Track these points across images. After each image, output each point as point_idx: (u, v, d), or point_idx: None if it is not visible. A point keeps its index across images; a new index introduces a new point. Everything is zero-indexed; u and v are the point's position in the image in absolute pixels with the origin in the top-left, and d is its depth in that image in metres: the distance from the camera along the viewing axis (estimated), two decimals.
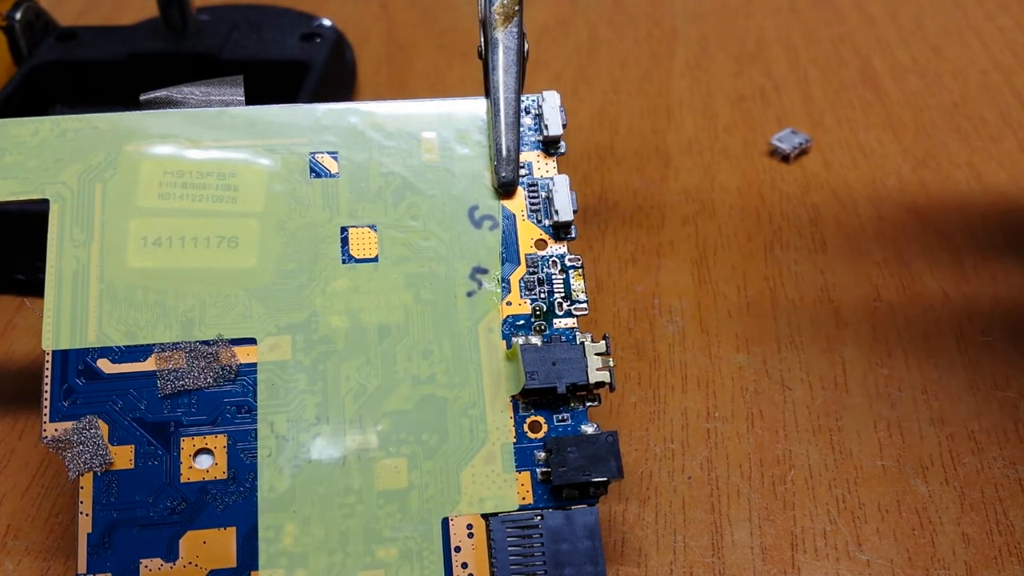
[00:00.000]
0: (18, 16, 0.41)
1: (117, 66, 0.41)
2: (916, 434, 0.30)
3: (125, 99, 0.27)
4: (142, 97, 0.27)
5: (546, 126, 0.28)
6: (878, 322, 0.34)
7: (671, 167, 0.41)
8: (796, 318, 0.34)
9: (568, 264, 0.27)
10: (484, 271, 0.27)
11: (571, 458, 0.24)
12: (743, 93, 0.45)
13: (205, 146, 0.27)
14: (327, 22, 0.42)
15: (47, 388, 0.24)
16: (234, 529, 0.24)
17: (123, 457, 0.24)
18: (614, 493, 0.28)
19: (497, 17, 0.28)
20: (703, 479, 0.29)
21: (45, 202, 0.26)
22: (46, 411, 0.24)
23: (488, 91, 0.28)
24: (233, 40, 0.41)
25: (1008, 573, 0.27)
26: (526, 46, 0.28)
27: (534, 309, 0.26)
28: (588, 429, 0.25)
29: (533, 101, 0.28)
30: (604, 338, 0.26)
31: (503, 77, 0.28)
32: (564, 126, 0.28)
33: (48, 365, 0.25)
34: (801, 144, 0.41)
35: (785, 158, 0.41)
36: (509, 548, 0.24)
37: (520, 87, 0.28)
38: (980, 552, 0.27)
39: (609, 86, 0.45)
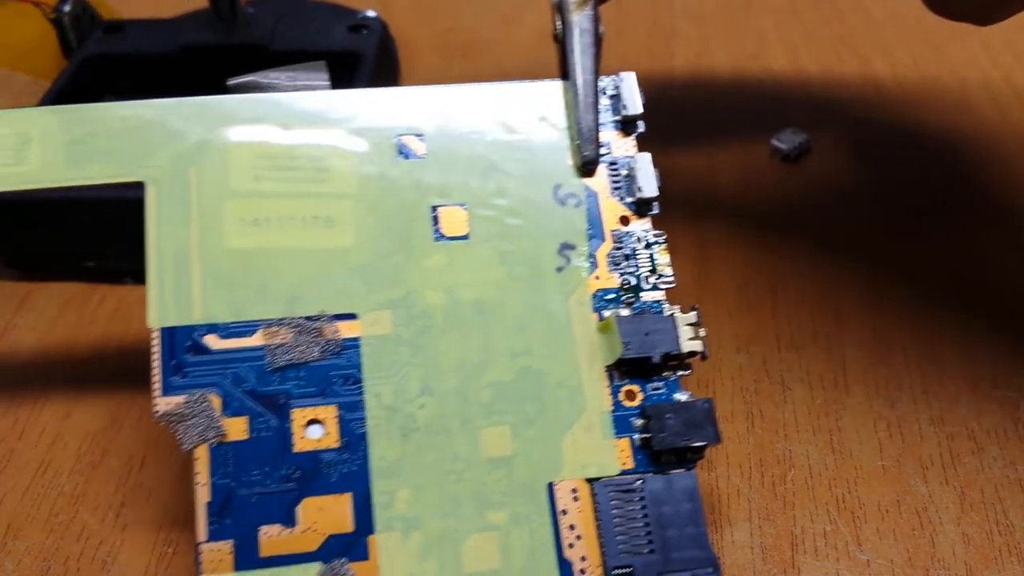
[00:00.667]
0: (67, 9, 0.41)
1: (168, 58, 0.41)
2: (916, 434, 0.30)
3: (177, 91, 0.28)
4: (230, 82, 0.28)
5: (624, 105, 0.29)
6: (878, 322, 0.34)
7: (671, 167, 0.40)
8: (796, 318, 0.34)
9: (652, 239, 0.28)
10: (571, 247, 0.27)
11: (669, 424, 0.25)
12: (743, 93, 0.45)
13: (294, 129, 0.28)
14: (372, 13, 0.43)
15: (156, 364, 0.25)
16: (349, 495, 0.24)
17: (237, 428, 0.25)
18: None
19: (573, 1, 0.29)
20: (703, 479, 0.29)
21: (140, 185, 0.26)
22: (157, 386, 0.25)
23: (566, 73, 0.29)
24: (281, 32, 0.41)
25: (1008, 573, 0.27)
26: (601, 28, 0.29)
27: (622, 283, 0.27)
28: (681, 397, 0.26)
29: (610, 82, 0.29)
30: (694, 309, 0.26)
31: (580, 59, 0.29)
32: (644, 105, 0.29)
33: (156, 342, 0.25)
34: (801, 144, 0.41)
35: (785, 158, 0.41)
36: (613, 511, 0.25)
37: (597, 68, 0.29)
38: (980, 552, 0.27)
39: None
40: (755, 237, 0.37)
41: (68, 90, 0.40)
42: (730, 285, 0.35)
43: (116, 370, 0.33)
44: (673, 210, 0.38)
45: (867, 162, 0.41)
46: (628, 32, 0.50)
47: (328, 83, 0.29)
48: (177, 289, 0.26)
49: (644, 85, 0.40)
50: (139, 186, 0.27)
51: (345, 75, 0.39)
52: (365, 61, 0.40)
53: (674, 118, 0.44)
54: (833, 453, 0.30)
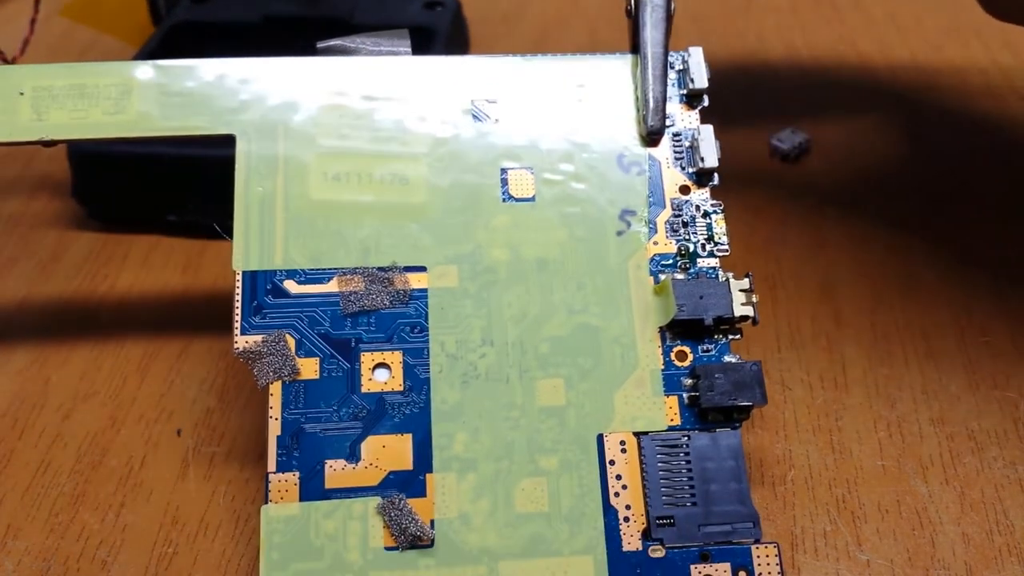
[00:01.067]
0: None
1: (252, 28, 0.43)
2: (916, 434, 0.30)
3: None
4: (319, 45, 0.30)
5: (691, 79, 0.30)
6: (878, 322, 0.34)
7: None
8: (796, 318, 0.34)
9: (711, 208, 0.29)
10: (632, 212, 0.29)
11: (718, 383, 0.26)
12: (743, 93, 0.45)
13: (377, 92, 0.29)
14: None
15: (238, 305, 0.27)
16: (410, 436, 0.26)
17: (309, 368, 0.26)
18: None
19: None
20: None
21: (223, 142, 0.28)
22: (237, 325, 0.26)
23: (636, 46, 0.30)
24: (361, 7, 0.43)
25: (1008, 573, 0.27)
26: (673, 4, 0.30)
27: (679, 249, 0.28)
28: (731, 359, 0.27)
29: (678, 57, 0.30)
30: (747, 276, 0.28)
31: (651, 32, 0.30)
32: (709, 80, 0.30)
33: (239, 284, 0.27)
34: (801, 144, 0.41)
35: (785, 158, 0.41)
36: (659, 464, 0.26)
37: (667, 42, 0.30)
38: (980, 552, 0.27)
39: None
40: (755, 237, 0.37)
41: (156, 55, 0.41)
42: None
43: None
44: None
45: (867, 162, 0.41)
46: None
47: (410, 50, 0.30)
48: (261, 236, 0.27)
49: None
50: (222, 143, 0.28)
51: (419, 50, 0.41)
52: (439, 36, 0.42)
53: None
54: (833, 453, 0.30)
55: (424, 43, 0.41)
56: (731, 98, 0.44)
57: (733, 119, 0.43)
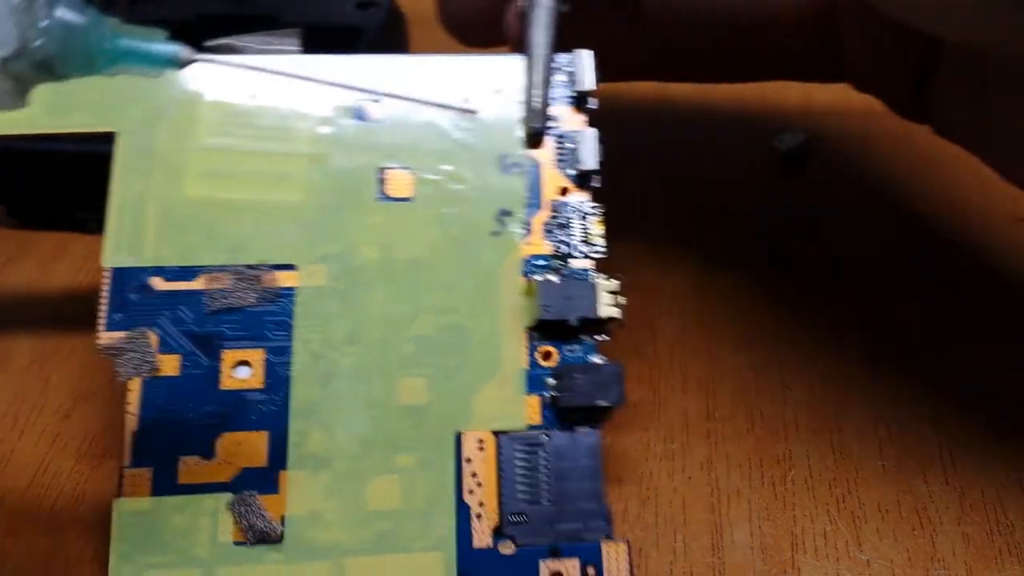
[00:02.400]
0: None
1: (185, 27, 0.43)
2: (916, 434, 0.30)
3: None
4: (205, 43, 0.30)
5: (578, 82, 0.30)
6: (878, 322, 0.34)
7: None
8: (796, 318, 0.34)
9: (589, 210, 0.29)
10: (509, 213, 0.29)
11: (578, 383, 0.26)
12: (743, 93, 0.44)
13: (261, 90, 0.29)
14: None
15: (104, 301, 0.27)
16: (267, 433, 0.26)
17: (170, 365, 0.26)
18: (614, 494, 0.29)
19: None
20: (703, 479, 0.29)
21: (112, 135, 0.28)
22: (103, 321, 0.27)
23: (524, 48, 0.30)
24: (293, 5, 0.43)
25: (1008, 573, 0.27)
26: (564, 6, 0.30)
27: (555, 250, 0.28)
28: (596, 360, 0.27)
29: (567, 59, 0.30)
30: (616, 278, 0.27)
31: (536, 33, 0.30)
32: (597, 82, 0.30)
33: (107, 280, 0.27)
34: (801, 144, 0.41)
35: (785, 158, 0.41)
36: (516, 462, 0.26)
37: (553, 44, 0.30)
38: (980, 552, 0.27)
39: (609, 86, 0.44)
40: (755, 237, 0.37)
41: None
42: (730, 285, 0.35)
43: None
44: (673, 211, 0.38)
45: (867, 162, 0.41)
46: None
47: (299, 48, 0.31)
48: (133, 233, 0.28)
49: (645, 86, 0.40)
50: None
51: (346, 50, 0.41)
52: (367, 36, 0.42)
53: (674, 119, 0.45)
54: (833, 453, 0.30)
55: (352, 43, 0.41)
56: (731, 98, 0.44)
57: (733, 119, 0.44)
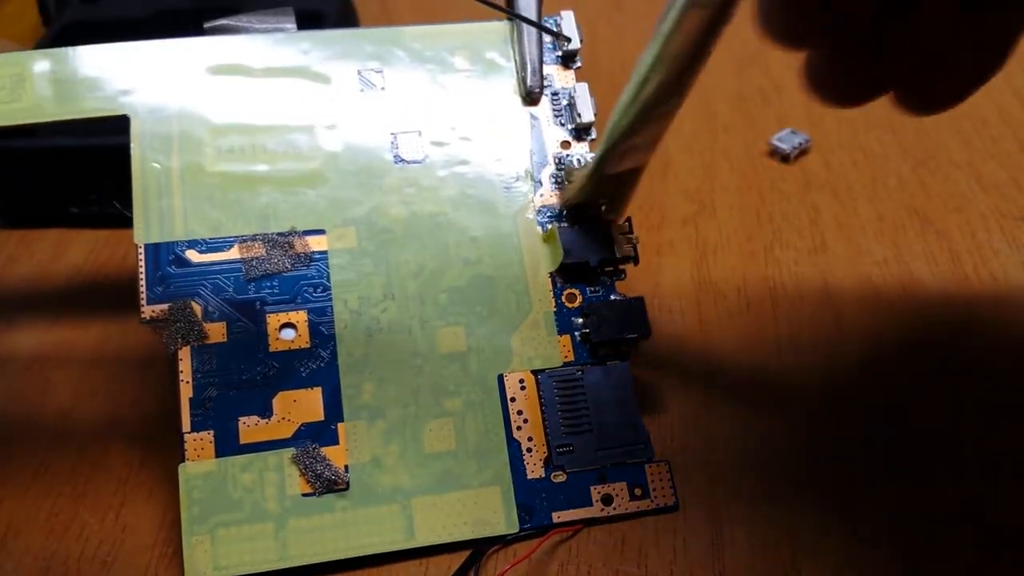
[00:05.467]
0: None
1: (144, 23, 0.43)
2: (916, 434, 0.30)
3: None
4: (206, 25, 0.31)
5: (565, 40, 0.32)
6: (878, 322, 0.33)
7: (671, 167, 0.40)
8: (796, 318, 0.33)
9: (590, 161, 0.31)
10: (518, 168, 0.30)
11: (605, 319, 0.28)
12: (743, 93, 0.45)
13: (267, 65, 0.30)
14: None
15: (142, 276, 0.28)
16: (320, 389, 0.27)
17: (216, 332, 0.27)
18: None
19: None
20: (703, 479, 0.28)
21: (124, 118, 0.29)
22: (143, 295, 0.27)
23: (512, 13, 0.32)
24: None
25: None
26: None
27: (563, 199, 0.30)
28: (617, 298, 0.29)
29: (551, 21, 0.32)
30: (627, 220, 0.29)
31: None
32: (581, 42, 0.32)
33: (141, 257, 0.28)
34: (801, 144, 0.40)
35: (785, 158, 0.40)
36: (556, 397, 0.28)
37: (540, 6, 0.31)
38: (980, 551, 0.27)
39: (609, 87, 0.42)
40: (755, 237, 0.37)
41: None
42: (730, 285, 0.35)
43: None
44: (673, 210, 0.38)
45: (867, 162, 0.41)
46: (628, 34, 0.50)
47: (295, 26, 0.32)
48: (160, 209, 0.28)
49: None
50: (119, 131, 0.29)
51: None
52: (326, 22, 0.43)
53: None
54: (833, 453, 0.29)
55: (314, 27, 0.42)
56: (731, 98, 0.44)
57: (733, 119, 0.43)
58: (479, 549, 0.26)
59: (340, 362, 0.27)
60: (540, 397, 0.28)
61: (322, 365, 0.27)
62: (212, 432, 0.27)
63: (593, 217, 0.29)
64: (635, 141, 0.25)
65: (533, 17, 0.31)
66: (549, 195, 0.30)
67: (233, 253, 0.28)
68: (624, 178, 0.27)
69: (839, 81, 0.23)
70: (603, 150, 0.26)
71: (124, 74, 0.29)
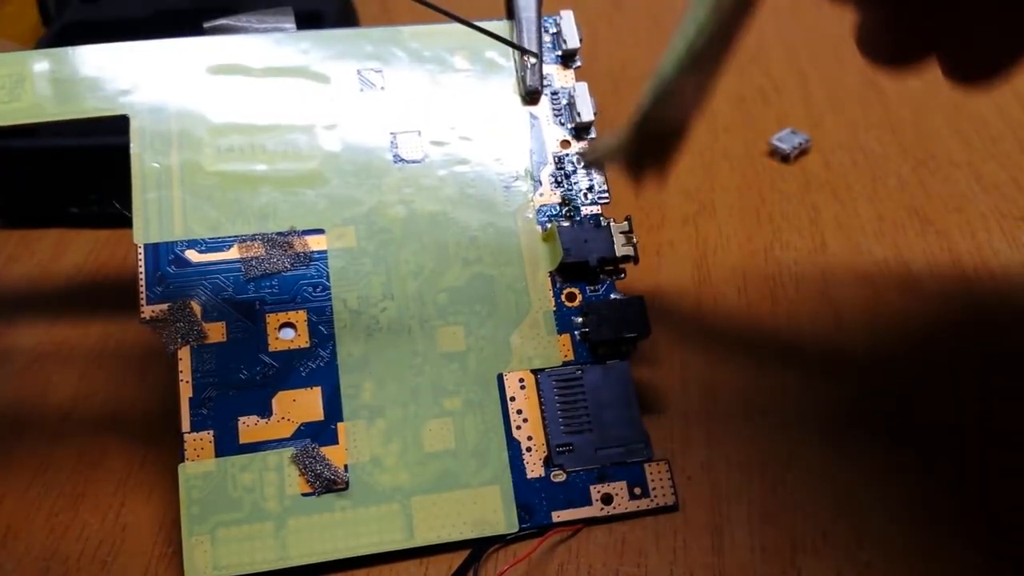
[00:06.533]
0: None
1: (144, 23, 0.43)
2: (917, 434, 0.30)
3: None
4: (205, 24, 0.31)
5: (564, 41, 0.32)
6: (878, 322, 0.33)
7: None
8: (796, 318, 0.33)
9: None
10: (517, 167, 0.30)
11: (607, 319, 0.28)
12: (743, 93, 0.44)
13: (267, 65, 0.30)
14: None
15: (142, 276, 0.28)
16: (319, 388, 0.27)
17: (216, 332, 0.27)
18: None
19: None
20: (703, 479, 0.28)
21: (124, 118, 0.29)
22: (143, 295, 0.27)
23: (511, 12, 0.32)
24: None
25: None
26: None
27: (563, 199, 0.30)
28: (617, 297, 0.29)
29: (551, 20, 0.32)
30: (627, 219, 0.29)
31: None
32: (580, 41, 0.32)
33: (141, 256, 0.28)
34: (801, 144, 0.40)
35: (785, 158, 0.40)
36: (556, 397, 0.28)
37: (539, 6, 0.32)
38: (980, 550, 0.27)
39: (609, 87, 0.44)
40: (755, 237, 0.37)
41: None
42: (730, 285, 0.35)
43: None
44: (673, 210, 0.38)
45: (867, 162, 0.40)
46: (629, 34, 0.50)
47: (294, 26, 0.32)
48: (160, 209, 0.28)
49: (644, 85, 0.40)
50: (118, 131, 0.29)
51: None
52: (326, 22, 0.43)
53: None
54: (833, 453, 0.29)
55: (313, 27, 0.42)
56: (731, 98, 0.44)
57: (733, 119, 0.43)
58: (479, 549, 0.26)
59: (339, 362, 0.27)
60: (540, 396, 0.28)
61: (321, 365, 0.27)
62: (212, 432, 0.27)
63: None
64: (685, 86, 0.24)
65: (533, 17, 0.31)
66: (549, 194, 0.30)
67: (232, 253, 0.28)
68: (668, 135, 0.26)
69: (888, 41, 0.24)
70: (652, 92, 0.25)
71: (124, 74, 0.29)
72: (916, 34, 0.23)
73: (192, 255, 0.28)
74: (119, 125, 0.29)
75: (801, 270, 0.35)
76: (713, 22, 0.23)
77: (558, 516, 0.27)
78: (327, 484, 0.26)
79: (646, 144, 0.26)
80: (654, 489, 0.27)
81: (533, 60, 0.31)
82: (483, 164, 0.30)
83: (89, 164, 0.36)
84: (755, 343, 0.33)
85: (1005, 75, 0.23)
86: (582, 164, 0.30)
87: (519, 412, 0.28)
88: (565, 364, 0.28)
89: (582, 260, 0.29)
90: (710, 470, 0.29)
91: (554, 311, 0.29)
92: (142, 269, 0.28)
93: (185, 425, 0.27)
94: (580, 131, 0.31)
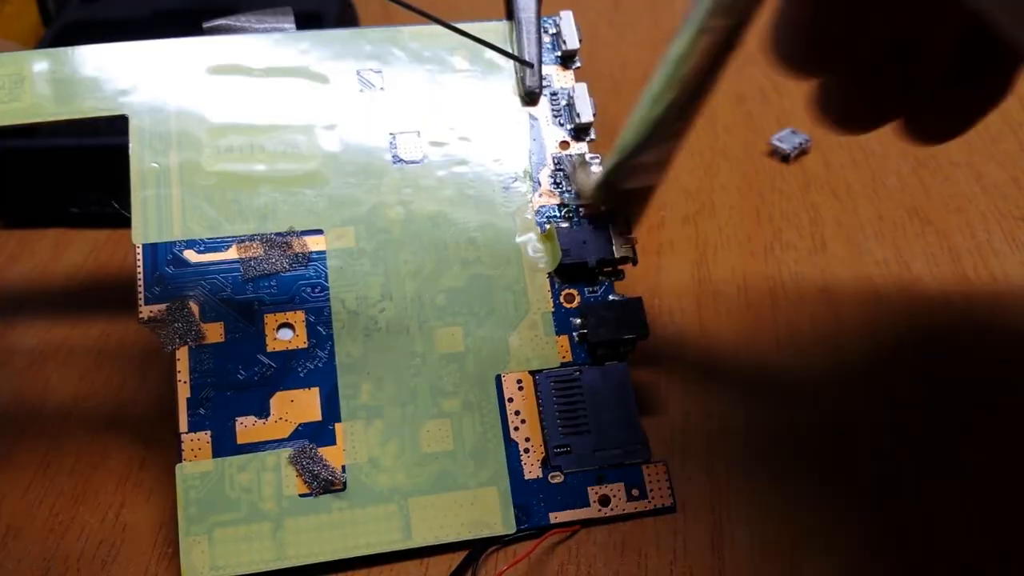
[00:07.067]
0: None
1: (143, 23, 0.43)
2: (917, 434, 0.29)
3: None
4: (205, 24, 0.31)
5: (564, 41, 0.32)
6: (877, 323, 0.33)
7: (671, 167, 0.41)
8: (796, 318, 0.33)
9: (589, 161, 0.31)
10: (516, 168, 0.30)
11: (603, 320, 0.28)
12: (743, 93, 0.44)
13: (266, 65, 0.30)
14: None
15: (140, 276, 0.28)
16: (317, 389, 0.27)
17: (214, 332, 0.27)
18: None
19: None
20: (703, 479, 0.28)
21: (123, 118, 0.29)
22: (141, 295, 0.27)
23: (510, 13, 0.32)
24: None
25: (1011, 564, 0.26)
26: None
27: (562, 200, 0.30)
28: (615, 298, 0.29)
29: (551, 21, 0.32)
30: (626, 220, 0.29)
31: None
32: (580, 41, 0.32)
33: (139, 257, 0.28)
34: (801, 144, 0.40)
35: (785, 158, 0.40)
36: (554, 398, 0.28)
37: (539, 7, 0.31)
38: (980, 549, 0.27)
39: (610, 86, 0.44)
40: (755, 237, 0.37)
41: None
42: (730, 285, 0.35)
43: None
44: (673, 210, 0.38)
45: (867, 162, 0.40)
46: (629, 34, 0.50)
47: (294, 26, 0.32)
48: (159, 209, 0.28)
49: (644, 85, 0.40)
50: (117, 131, 0.29)
51: None
52: (326, 21, 0.43)
53: None
54: (833, 453, 0.29)
55: (312, 28, 0.42)
56: (731, 98, 0.44)
57: (733, 119, 0.43)
58: (477, 549, 0.26)
59: (338, 362, 0.27)
60: (538, 397, 0.28)
61: (320, 365, 0.27)
62: (209, 432, 0.27)
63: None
64: (644, 159, 0.26)
65: (532, 17, 0.31)
66: (548, 195, 0.30)
67: (231, 253, 0.28)
68: (635, 195, 0.28)
69: (848, 108, 0.24)
70: (613, 163, 0.26)
71: (123, 74, 0.29)
72: (875, 100, 0.23)
73: (191, 255, 0.28)
74: (118, 125, 0.29)
75: (801, 270, 0.35)
76: (674, 92, 0.23)
77: (555, 517, 0.27)
78: (325, 485, 0.26)
79: (613, 199, 0.28)
80: (652, 490, 0.27)
81: (528, 67, 0.31)
82: (482, 165, 0.30)
83: (89, 164, 0.36)
84: (755, 343, 0.33)
85: (963, 132, 0.24)
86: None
87: (517, 413, 0.28)
88: (563, 365, 0.28)
89: (581, 261, 0.29)
90: (710, 470, 0.29)
91: (552, 312, 0.29)
92: (140, 269, 0.28)
93: (183, 425, 0.27)
94: (579, 132, 0.31)
